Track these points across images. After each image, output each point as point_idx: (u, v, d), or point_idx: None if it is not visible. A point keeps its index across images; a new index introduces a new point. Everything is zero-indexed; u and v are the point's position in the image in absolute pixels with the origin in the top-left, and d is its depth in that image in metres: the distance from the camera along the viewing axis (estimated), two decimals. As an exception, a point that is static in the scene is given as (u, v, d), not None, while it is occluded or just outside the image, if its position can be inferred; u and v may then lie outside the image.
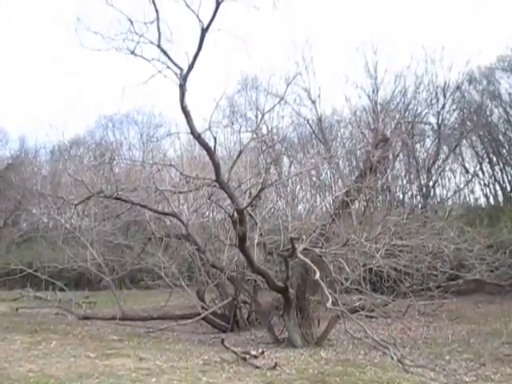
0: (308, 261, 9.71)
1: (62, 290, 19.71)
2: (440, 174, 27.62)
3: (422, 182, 25.78)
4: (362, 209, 12.98)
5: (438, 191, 28.47)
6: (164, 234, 15.24)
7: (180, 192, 12.72)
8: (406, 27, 39.57)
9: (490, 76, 28.03)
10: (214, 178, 10.25)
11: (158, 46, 9.20)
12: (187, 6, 8.70)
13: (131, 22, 9.16)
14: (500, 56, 27.37)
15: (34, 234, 28.76)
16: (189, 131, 9.75)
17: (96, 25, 9.17)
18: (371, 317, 12.97)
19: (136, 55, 9.20)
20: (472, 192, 29.28)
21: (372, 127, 15.25)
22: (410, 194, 26.05)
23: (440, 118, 26.61)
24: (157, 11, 9.05)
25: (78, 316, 15.86)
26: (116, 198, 12.23)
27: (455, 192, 28.50)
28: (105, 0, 8.94)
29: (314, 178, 16.61)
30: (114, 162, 16.50)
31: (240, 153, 10.73)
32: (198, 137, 9.72)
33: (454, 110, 27.52)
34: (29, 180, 28.19)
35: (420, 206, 23.34)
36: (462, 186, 28.73)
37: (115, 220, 16.40)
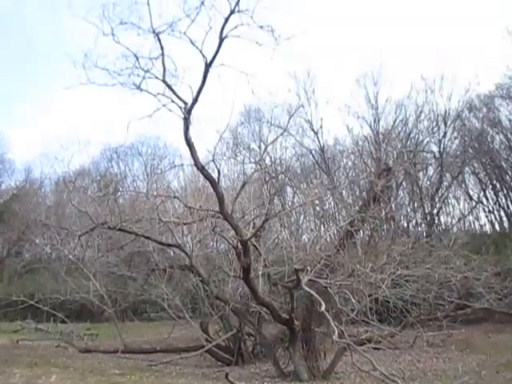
0: (313, 292, 9.60)
1: (63, 321, 19.47)
2: (444, 202, 27.57)
3: (426, 210, 25.71)
4: (367, 238, 12.93)
5: (442, 219, 28.36)
6: (167, 265, 15.15)
7: (184, 223, 12.72)
8: (405, 58, 40.37)
9: (490, 103, 28.34)
10: (217, 209, 10.26)
11: (163, 80, 9.40)
12: (191, 42, 8.94)
13: (137, 58, 9.40)
14: (498, 84, 27.76)
15: (36, 265, 28.64)
16: (193, 163, 9.83)
17: (103, 60, 9.40)
18: (379, 348, 12.72)
19: (141, 90, 9.40)
20: (477, 219, 29.17)
21: (374, 157, 15.35)
22: (414, 222, 25.96)
23: (442, 146, 26.78)
24: (162, 47, 9.30)
25: (79, 349, 15.62)
26: (120, 230, 12.21)
27: (460, 219, 28.37)
28: (111, 37, 9.16)
29: (318, 208, 16.62)
30: (118, 194, 16.63)
31: (244, 184, 10.79)
32: (201, 169, 9.80)
33: (455, 138, 27.73)
34: (33, 210, 28.30)
35: (425, 234, 23.19)
36: (466, 213, 28.63)
37: (119, 251, 16.34)
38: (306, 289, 9.69)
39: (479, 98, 28.36)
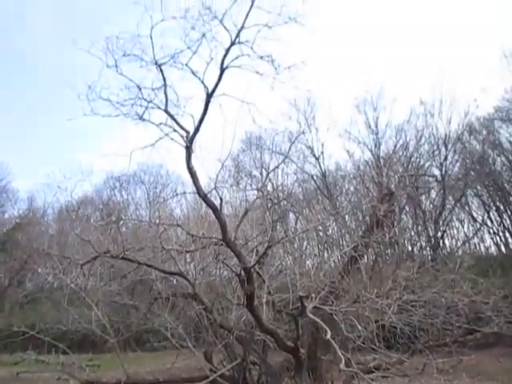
0: (318, 320, 9.46)
1: (64, 352, 19.14)
2: (448, 225, 27.46)
3: (430, 234, 25.58)
4: (371, 263, 12.83)
5: (447, 242, 28.20)
6: (170, 293, 14.98)
7: (187, 251, 12.66)
8: (404, 83, 40.97)
9: (490, 126, 28.55)
10: (220, 236, 10.23)
11: (165, 110, 9.55)
12: (193, 73, 9.12)
13: (140, 89, 9.57)
14: (497, 106, 28.04)
15: (38, 295, 28.43)
16: (195, 191, 9.86)
17: (106, 92, 9.57)
18: (387, 376, 12.42)
19: (144, 120, 9.54)
20: (482, 241, 28.97)
21: (376, 181, 15.39)
22: (418, 245, 25.80)
23: (443, 169, 26.86)
24: (164, 78, 9.49)
25: (81, 380, 15.28)
26: (122, 258, 12.15)
27: (464, 242, 28.19)
28: (115, 69, 9.35)
29: (321, 234, 16.55)
30: (121, 222, 16.58)
31: (246, 211, 10.79)
32: (204, 197, 9.83)
33: (456, 161, 27.83)
34: (36, 239, 28.24)
35: (430, 258, 23.02)
36: (471, 235, 28.46)
37: (121, 280, 16.22)
38: (311, 316, 9.55)
39: (479, 121, 28.62)
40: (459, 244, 28.28)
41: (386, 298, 10.52)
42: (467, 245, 28.45)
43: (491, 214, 28.48)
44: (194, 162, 9.77)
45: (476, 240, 28.97)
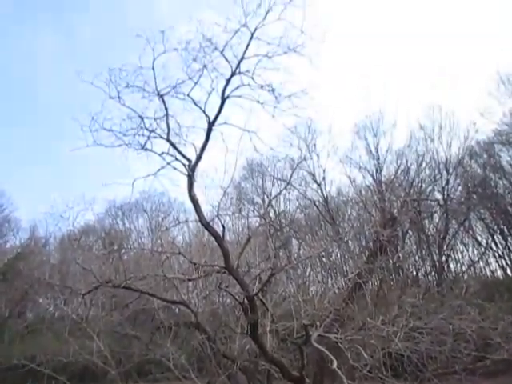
0: (323, 349, 9.28)
1: (65, 384, 18.77)
2: (452, 249, 27.23)
3: (435, 258, 25.36)
4: (376, 289, 12.68)
5: (451, 266, 27.88)
6: (173, 322, 14.80)
7: (189, 279, 12.53)
8: (403, 108, 41.47)
9: (490, 150, 28.65)
10: (223, 264, 10.16)
11: (168, 139, 9.67)
12: (194, 103, 9.28)
13: (142, 119, 9.72)
14: (497, 130, 28.19)
15: (39, 326, 28.04)
16: (197, 219, 9.86)
17: (109, 122, 9.71)
18: (395, 406, 12.08)
19: (146, 150, 9.64)
20: (487, 264, 28.61)
21: (378, 206, 15.37)
22: (423, 270, 25.53)
23: (445, 193, 26.83)
24: (166, 108, 9.64)
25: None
26: (124, 287, 12.02)
27: (470, 266, 27.87)
28: (117, 100, 9.50)
29: (325, 260, 16.44)
30: (123, 251, 16.52)
31: (249, 239, 10.75)
32: (206, 225, 9.82)
33: (458, 185, 27.82)
34: (37, 269, 28.06)
35: (435, 282, 22.73)
36: (476, 259, 28.16)
37: (123, 309, 16.04)
38: (316, 345, 9.38)
39: (479, 145, 28.74)
40: (464, 268, 27.97)
41: (392, 325, 10.34)
42: (472, 269, 28.13)
43: (495, 237, 28.27)
44: (196, 190, 9.83)
45: (481, 264, 28.68)
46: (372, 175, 26.91)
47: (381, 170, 26.85)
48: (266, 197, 27.46)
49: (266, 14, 9.69)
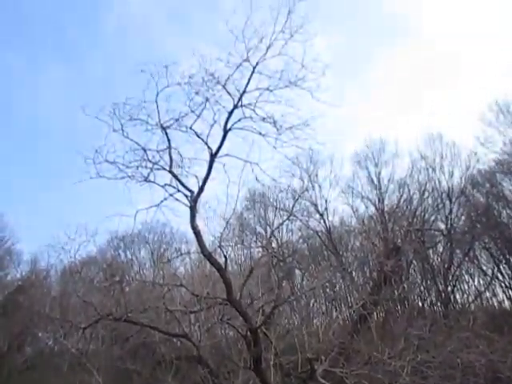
0: (329, 384, 9.06)
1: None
2: (457, 279, 26.84)
3: (440, 288, 24.97)
4: (381, 321, 12.46)
5: (458, 296, 27.39)
6: (174, 356, 14.51)
7: (191, 312, 12.38)
8: (403, 138, 41.87)
9: (492, 179, 28.63)
10: (225, 296, 10.05)
11: (170, 171, 9.74)
12: (197, 135, 9.41)
13: (145, 151, 9.83)
14: (498, 159, 28.25)
15: (38, 360, 27.47)
16: (199, 251, 9.82)
17: (112, 155, 9.81)
18: None
19: (149, 181, 9.70)
20: (494, 295, 28.08)
21: (382, 236, 15.28)
22: (429, 301, 25.08)
23: (449, 222, 26.67)
24: (169, 141, 9.78)
25: None
26: (125, 321, 11.88)
27: (476, 297, 27.39)
28: (121, 132, 9.64)
29: (328, 291, 16.22)
30: (125, 283, 16.37)
31: (251, 270, 10.66)
32: (208, 256, 9.77)
33: (461, 214, 27.68)
34: (38, 302, 27.73)
35: (441, 314, 22.30)
36: (482, 289, 27.70)
37: (123, 343, 15.76)
38: (322, 381, 9.16)
39: (481, 174, 28.74)
40: (471, 299, 27.48)
41: (399, 359, 10.11)
42: (479, 299, 27.63)
43: (501, 266, 27.88)
44: (199, 221, 9.84)
45: (488, 294, 28.19)
46: (374, 205, 26.85)
47: (383, 200, 26.79)
48: (268, 227, 27.36)
49: (268, 49, 9.95)
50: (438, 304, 25.09)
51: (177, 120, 9.99)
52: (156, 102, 10.01)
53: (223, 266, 9.78)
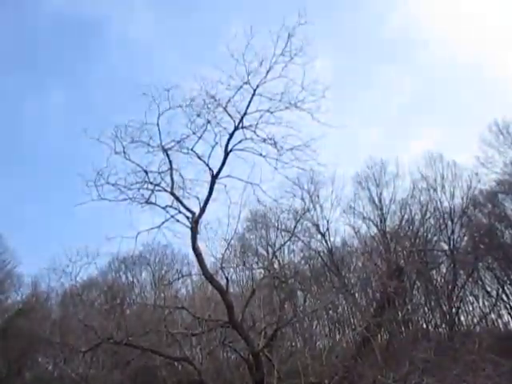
0: (333, 409, 8.87)
1: None
2: (462, 301, 26.50)
3: (445, 310, 24.65)
4: (385, 344, 12.27)
5: (462, 318, 26.98)
6: (176, 380, 14.29)
7: (192, 334, 12.23)
8: (404, 158, 42.01)
9: (494, 199, 28.56)
10: (227, 318, 9.95)
11: (171, 193, 9.78)
12: (198, 157, 9.48)
13: (146, 173, 9.89)
14: (499, 180, 28.23)
15: (37, 386, 26.96)
16: (201, 272, 9.77)
17: (114, 177, 9.87)
18: None
19: (150, 203, 9.72)
20: (499, 316, 27.65)
21: (384, 257, 15.19)
22: (433, 323, 24.71)
23: (451, 243, 26.50)
24: (170, 162, 9.84)
25: None
26: (126, 344, 11.72)
27: (481, 318, 26.98)
28: (123, 155, 9.73)
29: (331, 312, 16.03)
30: (126, 305, 16.23)
31: (253, 292, 10.57)
32: (210, 278, 9.71)
33: (464, 235, 27.51)
34: (38, 326, 27.44)
35: (446, 336, 21.95)
36: (487, 310, 27.31)
37: (124, 367, 15.52)
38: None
39: (482, 194, 28.68)
40: (476, 320, 27.06)
41: (404, 383, 9.92)
42: (484, 321, 27.21)
43: (506, 287, 27.55)
44: (200, 242, 9.83)
45: (493, 316, 27.76)
46: (376, 225, 26.75)
47: (385, 220, 26.72)
48: (270, 248, 27.22)
49: (268, 71, 10.11)
50: (443, 326, 24.72)
51: (178, 142, 10.10)
52: (157, 124, 10.15)
53: (225, 288, 9.72)
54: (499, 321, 27.27)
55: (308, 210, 24.68)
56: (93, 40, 59.42)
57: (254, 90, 10.08)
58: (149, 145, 10.10)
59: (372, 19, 54.18)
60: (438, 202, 27.52)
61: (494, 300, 27.03)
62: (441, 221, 26.99)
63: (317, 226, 26.84)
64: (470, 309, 27.65)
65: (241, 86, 10.03)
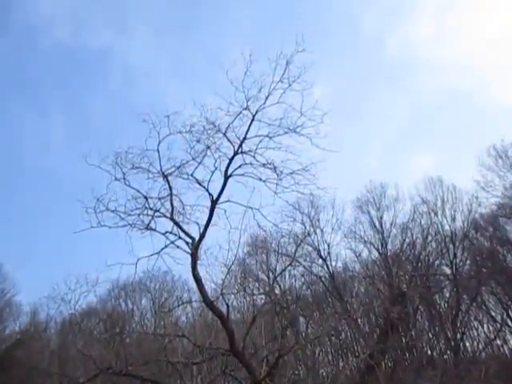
0: None
1: None
2: (466, 326, 26.10)
3: (449, 335, 24.24)
4: (390, 371, 12.02)
5: (467, 344, 26.50)
6: (176, 412, 13.91)
7: (193, 363, 12.02)
8: (404, 182, 42.17)
9: (495, 223, 28.49)
10: (228, 346, 9.79)
11: (171, 218, 9.78)
12: (198, 182, 9.52)
13: (146, 199, 9.91)
14: (499, 204, 28.22)
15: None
16: (201, 299, 9.67)
17: (114, 203, 9.88)
18: None
19: (150, 229, 9.71)
20: (505, 342, 27.15)
21: (386, 282, 15.05)
22: (438, 349, 24.25)
23: (454, 267, 26.30)
24: (170, 188, 9.87)
25: None
26: (125, 375, 11.49)
27: (486, 344, 26.51)
28: (123, 181, 9.77)
29: (334, 339, 15.76)
30: (125, 334, 15.99)
31: (254, 318, 10.43)
32: (210, 304, 9.60)
33: (466, 258, 27.33)
34: (36, 356, 26.98)
35: (452, 362, 21.52)
36: (492, 336, 26.84)
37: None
38: None
39: (483, 218, 28.64)
40: (481, 346, 26.56)
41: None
42: (490, 347, 26.72)
43: (510, 312, 27.15)
44: (200, 268, 9.74)
45: (498, 342, 27.27)
46: (377, 249, 26.60)
47: (386, 244, 26.59)
48: (270, 273, 26.98)
49: (267, 97, 10.26)
50: (448, 352, 24.27)
51: (178, 167, 10.16)
52: (158, 150, 10.23)
53: (225, 315, 9.60)
54: (505, 347, 26.83)
55: (309, 235, 24.61)
56: (95, 67, 60.67)
57: (254, 116, 10.21)
58: (149, 171, 10.17)
59: (370, 44, 55.56)
60: (439, 226, 27.48)
61: (498, 325, 26.67)
62: (442, 244, 26.89)
63: (318, 250, 26.71)
64: (475, 334, 27.24)
65: (240, 112, 10.17)
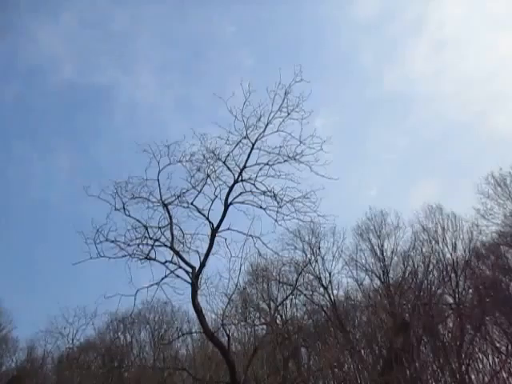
0: None
1: None
2: (471, 357, 25.54)
3: (454, 367, 23.66)
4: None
5: (473, 376, 25.84)
6: None
7: (193, 397, 11.69)
8: (404, 210, 42.22)
9: (496, 251, 28.31)
10: (229, 379, 9.54)
11: (171, 247, 9.73)
12: (198, 211, 9.53)
13: (146, 229, 9.89)
14: (500, 232, 28.11)
15: None
16: (201, 330, 9.51)
17: (113, 233, 9.85)
18: None
19: (150, 259, 9.63)
20: (510, 374, 26.48)
21: (389, 311, 14.83)
22: (443, 381, 23.62)
23: (456, 296, 26.00)
24: (170, 217, 9.87)
25: None
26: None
27: (492, 377, 25.85)
28: (123, 211, 9.78)
29: (337, 370, 15.38)
30: (124, 368, 15.62)
31: (255, 350, 10.24)
32: (211, 336, 9.43)
33: (468, 287, 27.03)
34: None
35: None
36: (497, 368, 26.20)
37: None
38: None
39: (485, 246, 28.48)
40: (487, 379, 25.88)
41: None
42: (495, 380, 26.02)
43: (515, 343, 26.65)
44: (201, 298, 9.64)
45: (504, 374, 26.59)
46: (379, 278, 26.31)
47: (388, 272, 26.31)
48: (272, 302, 26.54)
49: (266, 126, 10.42)
50: (454, 384, 23.66)
51: (178, 196, 10.20)
52: (158, 179, 10.29)
53: (226, 347, 9.43)
54: (510, 379, 26.19)
55: (310, 263, 24.42)
56: (99, 104, 61.78)
57: (253, 144, 10.34)
58: (149, 200, 10.20)
59: (370, 77, 56.89)
60: (441, 254, 27.34)
61: (503, 357, 26.12)
62: (444, 273, 26.67)
63: (319, 278, 26.44)
64: (480, 366, 26.65)
65: (240, 141, 10.31)
